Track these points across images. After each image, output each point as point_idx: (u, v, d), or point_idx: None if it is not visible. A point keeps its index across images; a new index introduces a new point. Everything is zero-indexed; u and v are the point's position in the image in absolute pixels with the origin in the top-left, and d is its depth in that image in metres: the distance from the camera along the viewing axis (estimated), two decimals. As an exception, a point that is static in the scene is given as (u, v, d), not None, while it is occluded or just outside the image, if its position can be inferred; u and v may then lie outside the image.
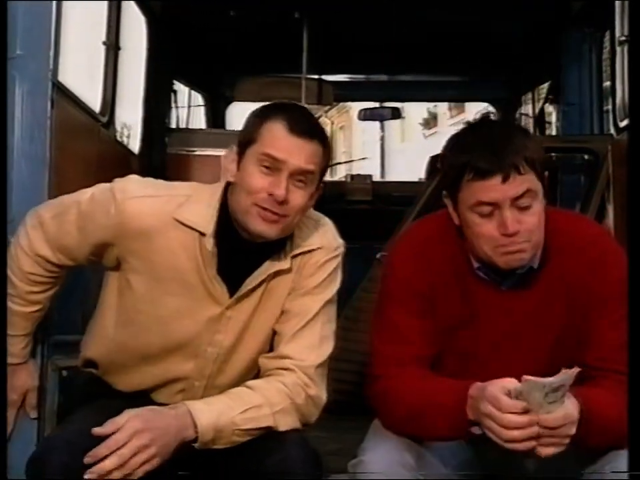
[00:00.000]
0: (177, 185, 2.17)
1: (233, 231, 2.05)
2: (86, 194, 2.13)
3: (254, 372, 2.15)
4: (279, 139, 2.00)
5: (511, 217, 1.95)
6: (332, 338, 2.15)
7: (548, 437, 1.80)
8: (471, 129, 2.07)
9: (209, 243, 2.04)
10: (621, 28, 3.91)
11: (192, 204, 2.07)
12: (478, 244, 2.01)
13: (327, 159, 2.08)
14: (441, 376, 2.04)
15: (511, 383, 1.82)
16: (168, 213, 2.05)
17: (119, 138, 4.13)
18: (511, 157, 1.94)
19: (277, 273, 2.10)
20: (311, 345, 2.09)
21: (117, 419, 1.86)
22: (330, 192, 5.78)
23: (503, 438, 1.81)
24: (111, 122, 3.95)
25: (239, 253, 2.05)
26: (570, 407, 1.81)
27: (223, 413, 1.94)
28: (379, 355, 2.10)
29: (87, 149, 3.50)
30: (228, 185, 2.08)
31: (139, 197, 2.07)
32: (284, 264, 2.09)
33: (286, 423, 2.01)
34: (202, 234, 2.05)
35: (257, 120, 2.05)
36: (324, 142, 2.06)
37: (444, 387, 1.95)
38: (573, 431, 1.82)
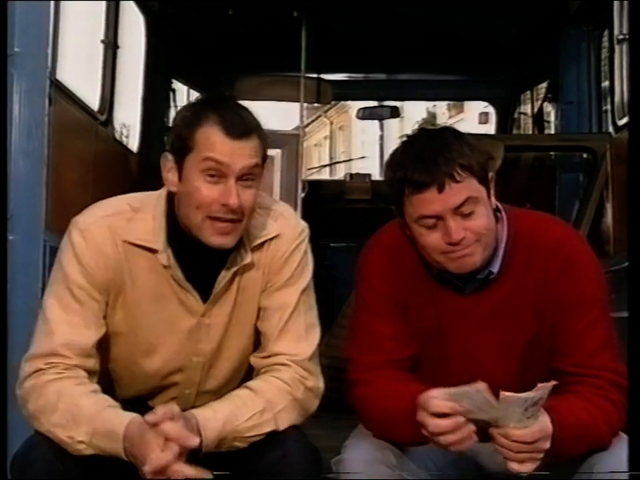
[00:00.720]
0: (123, 199, 2.11)
1: (187, 239, 2.02)
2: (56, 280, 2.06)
3: (242, 371, 2.15)
4: (218, 144, 1.94)
5: (454, 226, 1.96)
6: (317, 324, 2.14)
7: (524, 453, 1.81)
8: (407, 143, 2.08)
9: (163, 258, 2.03)
10: (619, 26, 3.91)
11: (139, 220, 2.05)
12: (427, 254, 2.03)
13: (265, 147, 2.02)
14: (415, 380, 2.05)
15: (439, 391, 1.83)
16: (119, 233, 2.03)
17: (117, 137, 4.13)
18: (444, 166, 1.95)
19: (243, 270, 2.08)
20: (298, 337, 2.08)
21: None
22: (329, 191, 5.84)
23: (440, 444, 1.83)
24: (109, 120, 3.95)
25: (199, 259, 2.03)
26: (544, 421, 1.83)
27: (228, 422, 1.94)
28: (354, 361, 2.12)
29: (86, 148, 3.51)
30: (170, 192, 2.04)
31: (88, 223, 2.04)
32: (245, 258, 2.06)
33: (287, 421, 2.01)
34: (154, 251, 2.03)
35: (189, 126, 1.97)
36: (260, 133, 2.00)
37: (406, 393, 1.95)
38: (548, 445, 1.83)
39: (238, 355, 2.14)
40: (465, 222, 1.97)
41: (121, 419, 1.89)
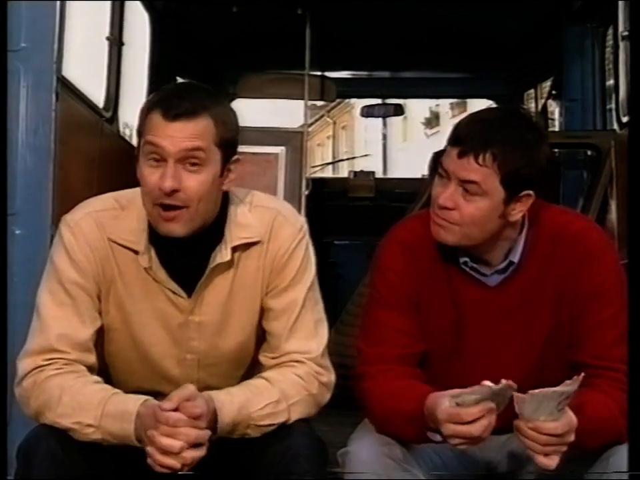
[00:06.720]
0: (111, 196, 2.11)
1: (168, 238, 1.99)
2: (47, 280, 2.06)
3: (243, 368, 2.15)
4: (157, 127, 1.92)
5: (448, 193, 1.99)
6: (324, 318, 2.13)
7: (551, 446, 1.82)
8: (479, 112, 2.13)
9: (144, 260, 2.01)
10: (624, 22, 3.91)
11: (124, 218, 2.04)
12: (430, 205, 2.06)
13: (221, 129, 1.95)
14: (424, 376, 2.05)
15: (452, 394, 1.83)
16: (106, 230, 2.03)
17: (122, 134, 4.14)
18: (480, 140, 1.96)
19: (237, 269, 2.05)
20: (309, 334, 2.08)
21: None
22: (333, 189, 5.84)
23: (470, 434, 1.81)
24: (114, 117, 3.96)
25: (183, 257, 2.01)
26: (570, 414, 1.83)
27: (243, 407, 1.94)
28: (362, 354, 2.12)
29: (91, 144, 3.51)
30: None
31: (77, 219, 2.04)
32: (224, 256, 2.03)
33: (299, 414, 2.01)
34: (136, 252, 2.03)
35: (141, 114, 1.98)
36: (214, 116, 1.94)
37: (412, 394, 1.95)
38: (573, 437, 1.84)
39: (235, 352, 2.12)
40: (461, 199, 1.99)
41: (134, 399, 1.90)
